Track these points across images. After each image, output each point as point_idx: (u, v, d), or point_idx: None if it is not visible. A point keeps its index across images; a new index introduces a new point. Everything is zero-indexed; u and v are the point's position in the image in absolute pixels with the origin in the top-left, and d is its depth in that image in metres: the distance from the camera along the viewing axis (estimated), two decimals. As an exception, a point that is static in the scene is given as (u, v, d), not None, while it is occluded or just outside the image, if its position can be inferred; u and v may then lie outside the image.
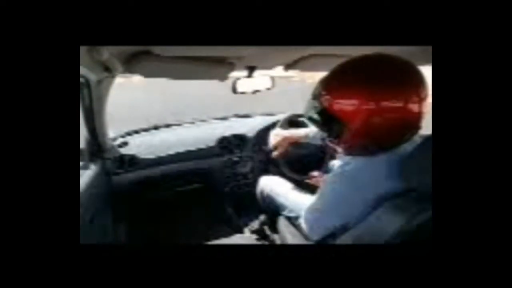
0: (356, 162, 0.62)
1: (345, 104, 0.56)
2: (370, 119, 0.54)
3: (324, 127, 0.63)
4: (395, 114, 0.54)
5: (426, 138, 0.53)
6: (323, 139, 0.67)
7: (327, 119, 0.59)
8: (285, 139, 1.11)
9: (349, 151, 0.64)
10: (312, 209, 0.71)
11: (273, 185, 1.11)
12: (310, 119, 0.64)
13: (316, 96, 0.61)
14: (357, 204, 0.60)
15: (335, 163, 1.01)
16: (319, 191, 0.71)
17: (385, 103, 0.53)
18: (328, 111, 0.58)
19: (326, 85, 0.60)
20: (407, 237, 0.50)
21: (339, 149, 0.64)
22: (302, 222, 0.73)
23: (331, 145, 0.65)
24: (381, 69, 0.56)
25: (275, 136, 1.14)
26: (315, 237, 0.70)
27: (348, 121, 0.56)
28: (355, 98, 0.55)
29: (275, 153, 1.15)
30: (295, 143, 1.12)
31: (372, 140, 0.58)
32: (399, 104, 0.53)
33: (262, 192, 1.16)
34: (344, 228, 0.64)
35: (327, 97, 0.58)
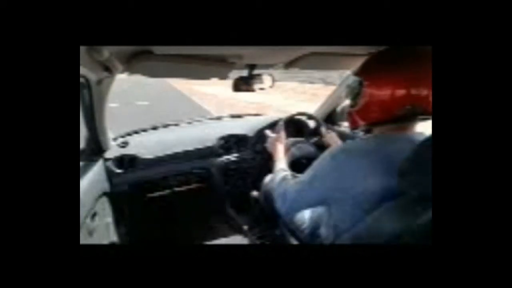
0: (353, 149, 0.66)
1: (370, 80, 0.65)
2: (391, 101, 0.62)
3: (352, 99, 0.72)
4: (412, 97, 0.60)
5: (426, 138, 0.53)
6: (348, 112, 0.75)
7: (358, 93, 0.69)
8: None
9: (365, 121, 0.71)
10: (297, 182, 0.74)
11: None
12: (347, 93, 0.74)
13: (354, 74, 0.71)
14: (349, 175, 0.62)
15: None
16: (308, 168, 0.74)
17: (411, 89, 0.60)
18: (361, 88, 0.68)
19: (362, 67, 0.70)
20: (407, 239, 0.49)
21: (359, 121, 0.72)
22: (277, 194, 0.77)
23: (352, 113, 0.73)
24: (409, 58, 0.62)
25: None
26: (284, 209, 0.74)
27: (368, 92, 0.66)
28: (382, 79, 0.63)
29: None
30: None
31: (382, 115, 0.65)
32: (414, 91, 0.60)
33: (264, 188, 1.17)
34: (336, 228, 0.65)
35: (362, 77, 0.67)
